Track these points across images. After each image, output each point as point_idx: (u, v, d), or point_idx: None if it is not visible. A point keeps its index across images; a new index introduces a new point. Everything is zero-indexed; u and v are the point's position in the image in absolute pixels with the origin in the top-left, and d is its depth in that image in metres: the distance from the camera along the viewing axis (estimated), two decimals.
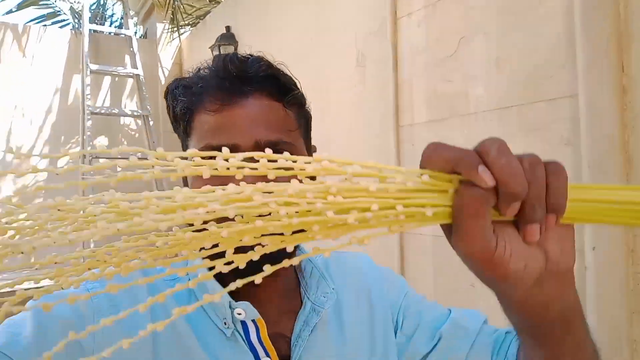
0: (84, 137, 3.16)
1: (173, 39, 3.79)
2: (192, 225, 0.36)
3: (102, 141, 3.55)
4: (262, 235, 0.41)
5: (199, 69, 0.61)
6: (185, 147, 0.62)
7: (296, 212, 0.35)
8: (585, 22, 1.05)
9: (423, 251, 1.52)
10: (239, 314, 0.57)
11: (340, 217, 0.35)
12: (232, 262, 0.50)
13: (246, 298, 0.60)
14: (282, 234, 0.35)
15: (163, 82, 3.75)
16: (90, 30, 3.39)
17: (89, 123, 3.14)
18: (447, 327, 0.67)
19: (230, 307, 0.58)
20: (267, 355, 0.59)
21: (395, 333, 0.70)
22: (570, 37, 1.09)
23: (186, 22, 3.89)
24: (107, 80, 3.59)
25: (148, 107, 3.46)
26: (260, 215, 0.37)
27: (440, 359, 0.66)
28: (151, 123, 3.44)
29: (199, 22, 3.48)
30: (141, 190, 0.39)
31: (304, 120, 0.64)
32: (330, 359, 0.64)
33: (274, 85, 0.59)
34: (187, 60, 3.71)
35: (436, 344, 0.67)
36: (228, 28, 2.94)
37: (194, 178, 0.57)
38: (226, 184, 0.52)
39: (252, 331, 0.59)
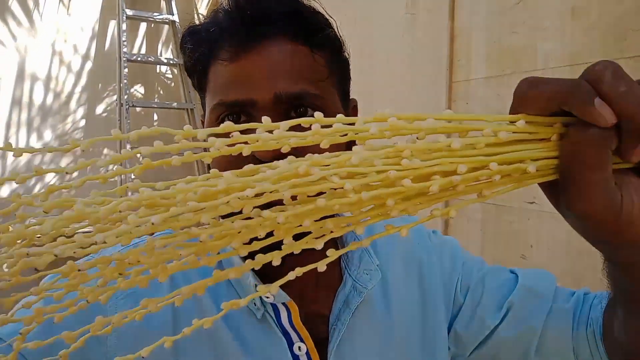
0: (121, 85, 3.13)
1: None
2: (232, 215, 0.29)
3: (138, 90, 3.52)
4: (324, 217, 0.34)
5: (217, 11, 0.52)
6: (202, 105, 0.55)
7: (366, 184, 0.29)
8: None
9: (469, 218, 1.43)
10: (267, 297, 0.52)
11: (420, 186, 0.28)
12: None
13: (278, 274, 0.55)
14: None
15: None
16: None
17: (125, 71, 3.09)
18: (516, 295, 0.59)
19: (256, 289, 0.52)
20: (301, 340, 0.53)
21: (456, 311, 0.62)
22: None
23: None
24: (143, 26, 3.52)
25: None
26: (319, 194, 0.30)
27: (513, 331, 0.57)
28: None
29: None
30: (168, 176, 0.32)
31: (339, 68, 0.54)
32: (375, 346, 0.57)
33: (298, 24, 0.49)
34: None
35: (505, 315, 0.58)
36: None
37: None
38: (255, 164, 0.44)
39: (283, 314, 0.53)
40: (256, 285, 0.52)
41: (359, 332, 0.56)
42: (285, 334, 0.53)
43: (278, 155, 0.45)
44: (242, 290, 0.54)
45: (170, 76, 3.62)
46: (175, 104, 3.35)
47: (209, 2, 3.68)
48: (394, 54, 1.72)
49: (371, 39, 1.82)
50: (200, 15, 3.62)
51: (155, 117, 3.60)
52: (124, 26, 3.13)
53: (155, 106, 3.42)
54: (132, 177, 3.15)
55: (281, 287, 0.51)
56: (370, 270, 0.58)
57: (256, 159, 0.45)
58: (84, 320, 0.49)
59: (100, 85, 3.40)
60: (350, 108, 0.58)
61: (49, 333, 0.48)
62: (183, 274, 0.54)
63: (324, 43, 0.51)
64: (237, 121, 0.48)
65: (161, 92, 3.61)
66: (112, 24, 3.40)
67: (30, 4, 3.16)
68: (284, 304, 0.53)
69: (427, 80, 1.54)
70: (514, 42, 1.25)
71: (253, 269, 0.53)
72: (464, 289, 0.62)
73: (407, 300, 0.61)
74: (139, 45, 3.52)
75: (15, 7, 3.12)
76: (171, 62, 3.42)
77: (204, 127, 0.57)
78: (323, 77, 0.50)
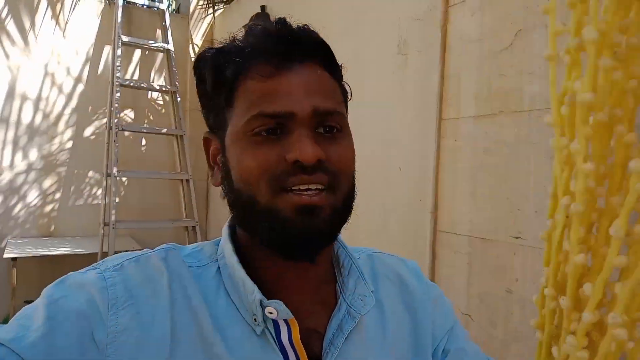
0: (112, 108, 3.14)
1: (207, 15, 3.74)
2: None
3: (128, 114, 3.54)
4: None
5: (234, 39, 0.57)
6: (222, 119, 0.57)
7: None
8: None
9: (457, 250, 1.46)
10: (271, 312, 0.53)
11: None
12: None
13: (276, 287, 0.56)
14: None
15: (193, 59, 3.71)
16: (123, 0, 3.36)
17: (117, 95, 3.11)
18: None
19: (261, 305, 0.53)
20: (297, 358, 0.54)
21: None
22: None
23: None
24: (137, 53, 3.57)
25: (177, 83, 3.43)
26: None
27: None
28: (178, 99, 3.41)
29: (233, 0, 3.42)
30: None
31: (346, 97, 0.61)
32: None
33: (322, 53, 0.56)
34: (219, 38, 3.67)
35: None
36: (263, 7, 2.88)
37: (245, 147, 0.53)
38: (283, 154, 0.52)
39: (283, 331, 0.54)
40: (262, 301, 0.53)
41: (352, 357, 0.57)
42: (283, 351, 0.54)
43: (317, 162, 0.51)
44: (242, 305, 0.55)
45: (162, 102, 3.65)
46: (165, 130, 3.37)
47: (204, 33, 3.77)
48: (384, 91, 1.79)
49: (363, 76, 1.88)
50: (195, 46, 3.69)
51: (144, 142, 3.60)
52: (118, 52, 3.17)
53: (145, 131, 3.43)
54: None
55: (279, 299, 0.53)
56: (364, 295, 0.61)
57: (298, 165, 0.51)
58: (85, 327, 0.49)
59: (90, 108, 3.42)
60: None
61: (50, 339, 0.48)
62: (182, 288, 0.55)
63: (337, 72, 0.58)
64: (273, 133, 0.52)
65: (151, 117, 3.64)
66: (107, 49, 3.45)
67: (27, 24, 3.20)
68: (285, 320, 0.54)
69: (417, 116, 1.59)
70: (501, 84, 1.31)
71: (255, 283, 0.54)
72: (447, 353, 0.66)
73: (400, 329, 0.63)
74: (132, 71, 3.56)
75: (11, 26, 3.15)
76: (164, 88, 3.45)
77: (209, 148, 0.61)
78: (341, 100, 0.58)
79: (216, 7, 3.63)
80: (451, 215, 1.48)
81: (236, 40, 0.57)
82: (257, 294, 0.53)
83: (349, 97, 0.62)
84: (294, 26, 0.55)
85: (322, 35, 0.58)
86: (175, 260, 0.58)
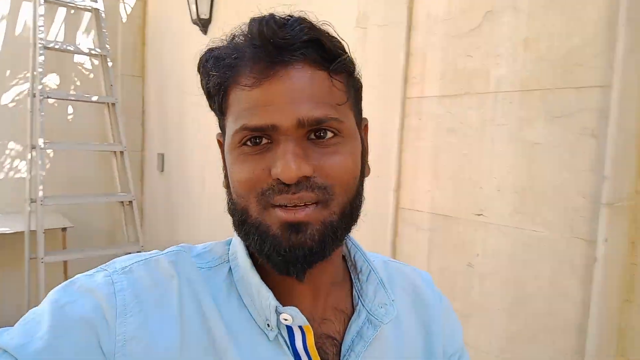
0: (34, 72, 2.86)
1: None
2: None
3: (53, 79, 3.25)
4: None
5: (234, 36, 0.53)
6: (222, 124, 0.55)
7: None
8: (632, 8, 1.02)
9: (418, 228, 1.50)
10: (285, 319, 0.51)
11: None
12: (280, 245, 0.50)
13: (287, 290, 0.55)
14: None
15: (124, 20, 3.45)
16: None
17: (41, 59, 2.83)
18: None
19: (276, 311, 0.52)
20: None
21: None
22: (611, 23, 1.06)
23: None
24: (61, 12, 3.25)
25: (107, 46, 3.18)
26: None
27: None
28: (109, 64, 3.17)
29: None
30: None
31: (354, 90, 0.56)
32: None
33: (318, 51, 0.51)
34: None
35: None
36: None
37: (234, 161, 0.52)
38: (269, 167, 0.49)
39: (297, 337, 0.53)
40: (277, 308, 0.52)
41: None
42: (297, 357, 0.53)
43: (302, 178, 0.48)
44: (255, 309, 0.53)
45: (90, 67, 3.38)
46: (95, 97, 3.13)
47: None
48: None
49: None
50: (125, 5, 3.43)
51: (71, 110, 3.34)
52: (41, 10, 2.87)
53: (73, 99, 3.17)
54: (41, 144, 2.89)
55: (292, 304, 0.53)
56: (385, 304, 0.59)
57: (281, 182, 0.48)
58: (91, 335, 0.46)
59: (8, 72, 3.09)
60: (362, 127, 0.60)
61: (55, 348, 0.46)
62: (192, 292, 0.53)
63: (341, 68, 0.53)
64: (259, 143, 0.50)
65: (78, 83, 3.37)
66: (27, 5, 3.11)
67: None
68: (300, 327, 0.52)
69: (380, 94, 1.59)
70: (468, 65, 1.33)
71: (269, 287, 0.53)
72: None
73: (416, 342, 0.63)
74: (56, 32, 3.25)
75: None
76: (93, 52, 3.19)
77: (222, 148, 0.57)
78: (341, 101, 0.52)
79: None
80: (413, 193, 1.51)
81: (232, 40, 0.53)
82: (273, 301, 0.52)
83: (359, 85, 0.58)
84: (281, 22, 0.49)
85: (272, 8, 0.53)
86: (185, 262, 0.55)
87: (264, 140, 0.50)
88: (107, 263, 0.54)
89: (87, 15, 3.34)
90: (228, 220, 0.55)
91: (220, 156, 0.59)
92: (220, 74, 0.52)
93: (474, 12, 1.31)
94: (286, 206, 0.49)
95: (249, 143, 0.50)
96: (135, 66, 3.50)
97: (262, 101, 0.49)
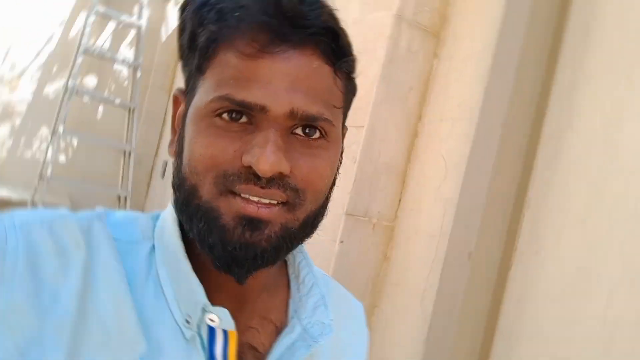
0: (72, 71, 3.31)
1: None
2: None
3: (89, 80, 3.70)
4: None
5: None
6: (193, 83, 0.47)
7: None
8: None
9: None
10: (212, 320, 0.46)
11: None
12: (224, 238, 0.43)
13: (215, 287, 0.48)
14: None
15: (164, 39, 3.87)
16: None
17: (79, 59, 3.28)
18: None
19: (203, 309, 0.46)
20: None
21: None
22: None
23: None
24: (111, 25, 3.74)
25: (140, 59, 3.59)
26: None
27: None
28: (138, 75, 3.56)
29: None
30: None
31: (350, 96, 0.51)
32: None
33: (331, 41, 0.45)
34: None
35: None
36: None
37: (200, 131, 0.44)
38: (242, 151, 0.43)
39: (218, 342, 0.47)
40: (205, 306, 0.46)
41: None
42: None
43: (277, 174, 0.42)
44: (176, 303, 0.47)
45: (126, 75, 3.81)
46: (118, 101, 3.52)
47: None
48: None
49: None
50: (168, 28, 3.85)
51: (101, 110, 3.76)
52: (91, 19, 3.34)
53: (96, 98, 3.59)
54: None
55: (215, 304, 0.46)
56: (322, 323, 0.53)
57: (252, 172, 0.43)
58: None
59: (55, 67, 3.58)
60: (344, 134, 0.54)
61: None
62: (101, 264, 0.45)
63: (346, 67, 0.48)
64: (237, 119, 0.44)
65: (113, 88, 3.79)
66: (83, 15, 3.62)
67: None
68: (224, 331, 0.47)
69: None
70: None
71: (200, 281, 0.46)
72: None
73: None
74: (103, 41, 3.73)
75: None
76: (126, 61, 3.61)
77: (180, 109, 0.50)
78: (339, 103, 0.48)
79: None
80: None
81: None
82: (202, 297, 0.46)
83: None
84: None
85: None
86: (99, 232, 0.47)
87: (244, 119, 0.43)
88: (7, 212, 0.45)
89: (134, 31, 3.80)
90: None
91: (173, 116, 0.52)
92: (216, 27, 0.43)
93: None
94: (249, 199, 0.43)
95: (225, 116, 0.43)
96: (165, 80, 3.88)
97: (256, 75, 0.42)
